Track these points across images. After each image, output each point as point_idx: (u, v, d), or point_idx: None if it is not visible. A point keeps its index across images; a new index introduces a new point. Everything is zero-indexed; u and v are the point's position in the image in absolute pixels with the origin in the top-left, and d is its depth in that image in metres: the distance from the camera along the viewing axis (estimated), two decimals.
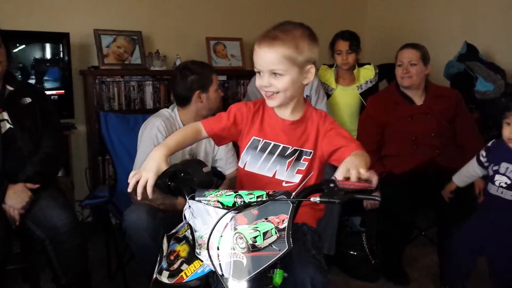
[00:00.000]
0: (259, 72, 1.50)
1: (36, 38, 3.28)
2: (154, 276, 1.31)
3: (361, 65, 3.39)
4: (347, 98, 3.31)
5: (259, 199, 1.23)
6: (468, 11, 4.06)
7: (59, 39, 3.30)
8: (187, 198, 1.30)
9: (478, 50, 3.67)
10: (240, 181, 1.65)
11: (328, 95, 3.27)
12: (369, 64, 3.41)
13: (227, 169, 2.53)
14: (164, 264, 1.29)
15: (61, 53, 3.32)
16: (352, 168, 1.22)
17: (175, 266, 1.25)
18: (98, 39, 3.48)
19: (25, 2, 3.34)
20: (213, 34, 4.02)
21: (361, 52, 3.33)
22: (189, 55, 3.84)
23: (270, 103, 1.54)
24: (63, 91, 3.32)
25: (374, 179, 1.23)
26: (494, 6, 3.90)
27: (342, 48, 3.23)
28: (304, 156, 1.57)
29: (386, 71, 3.45)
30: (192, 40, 3.97)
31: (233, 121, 1.60)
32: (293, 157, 1.57)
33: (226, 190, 1.29)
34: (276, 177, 1.57)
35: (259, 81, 1.50)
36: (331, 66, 3.40)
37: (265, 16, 4.18)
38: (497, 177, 2.17)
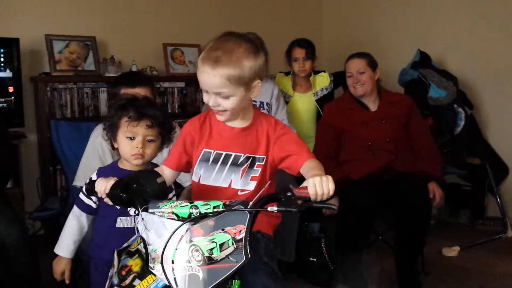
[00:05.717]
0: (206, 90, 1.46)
1: None
2: None
3: (316, 72, 3.43)
4: (304, 104, 3.34)
5: (215, 210, 1.20)
6: (421, 20, 4.18)
7: (9, 44, 3.17)
8: (140, 210, 1.26)
9: (431, 58, 3.78)
10: (196, 195, 1.60)
11: (286, 102, 3.28)
12: (324, 71, 3.45)
13: (186, 181, 2.47)
14: (115, 280, 1.24)
15: (11, 58, 3.19)
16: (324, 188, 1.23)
17: (127, 281, 1.21)
18: (49, 44, 3.37)
19: None
20: (170, 40, 3.97)
21: (316, 59, 3.36)
22: (146, 61, 3.79)
23: (219, 118, 1.52)
24: (13, 98, 3.19)
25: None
26: (446, 15, 4.04)
27: (299, 55, 3.25)
28: (257, 163, 1.55)
29: (342, 78, 3.48)
30: (149, 46, 3.91)
31: (183, 143, 1.57)
32: (246, 165, 1.54)
33: (181, 201, 1.25)
34: (232, 186, 1.55)
35: (206, 98, 1.47)
36: (287, 73, 3.42)
37: (222, 24, 4.15)
38: None
